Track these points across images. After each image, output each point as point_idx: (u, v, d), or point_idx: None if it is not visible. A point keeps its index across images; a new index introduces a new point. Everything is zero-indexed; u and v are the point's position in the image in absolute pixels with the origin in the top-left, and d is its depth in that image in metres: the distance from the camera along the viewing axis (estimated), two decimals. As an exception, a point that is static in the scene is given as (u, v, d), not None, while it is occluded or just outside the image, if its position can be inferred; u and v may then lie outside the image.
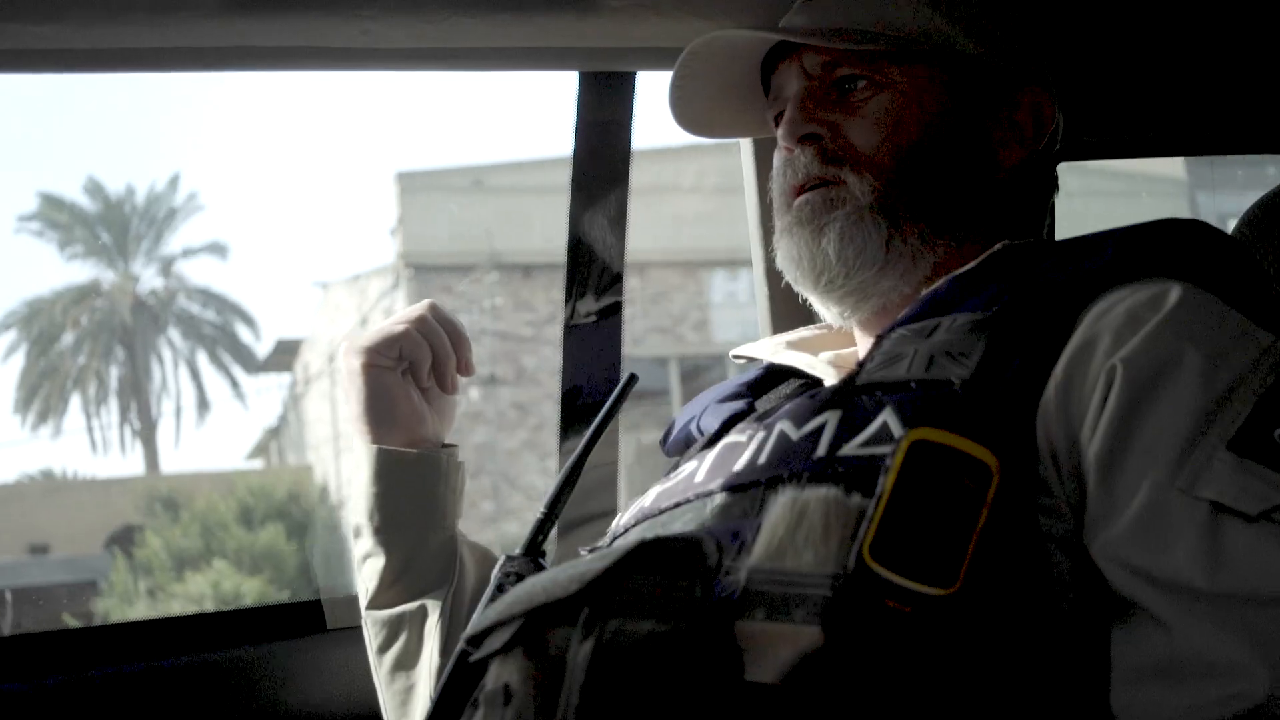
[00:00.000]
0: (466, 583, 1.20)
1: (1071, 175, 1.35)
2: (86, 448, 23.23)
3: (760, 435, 0.95)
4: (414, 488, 1.19)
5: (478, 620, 0.83)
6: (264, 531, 14.77)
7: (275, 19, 1.28)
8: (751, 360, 1.18)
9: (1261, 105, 1.59)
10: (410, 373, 1.19)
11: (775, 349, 1.16)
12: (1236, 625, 0.76)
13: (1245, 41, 1.55)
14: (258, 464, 21.50)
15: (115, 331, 23.25)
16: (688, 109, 1.19)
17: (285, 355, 20.30)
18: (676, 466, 1.08)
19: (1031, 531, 0.83)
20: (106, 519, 16.60)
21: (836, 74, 1.07)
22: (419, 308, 1.20)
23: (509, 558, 1.02)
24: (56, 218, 24.22)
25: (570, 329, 1.50)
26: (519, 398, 14.83)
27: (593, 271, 1.51)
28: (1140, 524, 0.81)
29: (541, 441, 14.65)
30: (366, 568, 1.20)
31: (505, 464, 14.28)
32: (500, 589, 0.99)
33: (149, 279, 23.97)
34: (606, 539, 1.08)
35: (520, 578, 0.98)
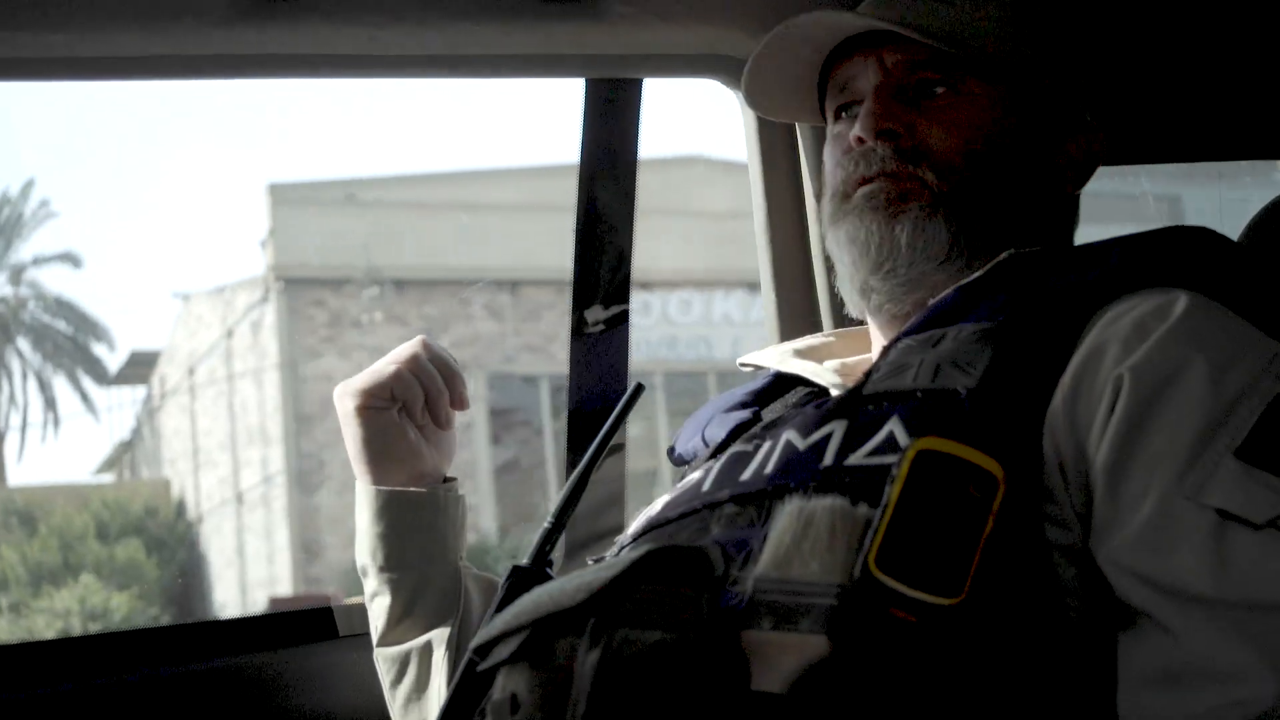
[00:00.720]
0: (473, 614, 1.21)
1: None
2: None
3: (767, 445, 0.95)
4: (414, 525, 1.20)
5: (485, 630, 0.83)
6: (122, 546, 14.53)
7: (282, 26, 1.29)
8: (758, 368, 1.18)
9: (1266, 110, 1.59)
10: (404, 411, 1.20)
11: (782, 357, 1.16)
12: (1242, 632, 0.76)
13: (1251, 47, 1.55)
14: (108, 478, 20.80)
15: (-41, 342, 22.51)
16: (758, 84, 1.18)
17: (140, 367, 19.65)
18: (683, 476, 1.08)
19: (1038, 540, 0.83)
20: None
21: (916, 76, 1.07)
22: (411, 346, 1.21)
23: (516, 568, 1.02)
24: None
25: (577, 339, 1.50)
26: None
27: (599, 280, 1.51)
28: (1147, 531, 0.81)
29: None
30: (374, 606, 1.22)
31: None
32: (507, 599, 0.99)
33: (-2, 287, 23.10)
34: (614, 549, 1.08)
35: (527, 587, 0.99)
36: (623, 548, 1.04)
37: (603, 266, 1.51)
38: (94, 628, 12.60)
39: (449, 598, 1.21)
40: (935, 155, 1.05)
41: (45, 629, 12.85)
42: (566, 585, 0.78)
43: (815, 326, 1.47)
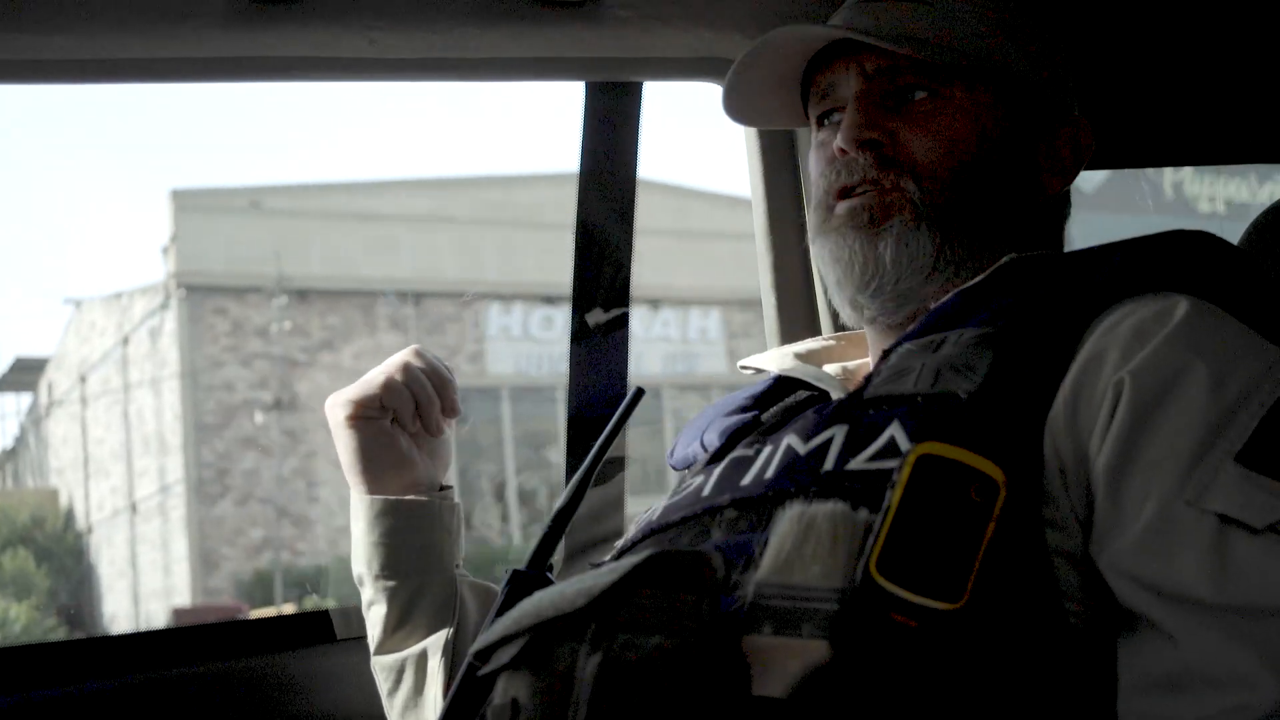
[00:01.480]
0: (469, 622, 1.21)
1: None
2: None
3: (768, 450, 0.95)
4: (409, 534, 1.20)
5: (485, 634, 0.83)
6: (9, 556, 14.29)
7: (282, 29, 1.29)
8: (759, 371, 1.18)
9: (1268, 114, 1.59)
10: (396, 420, 1.20)
11: (782, 360, 1.16)
12: (1242, 637, 0.76)
13: (1252, 49, 1.55)
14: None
15: None
16: (737, 97, 1.18)
17: (25, 374, 19.19)
18: (683, 481, 1.08)
19: (1038, 545, 0.83)
20: None
21: (898, 82, 1.06)
22: (401, 355, 1.21)
23: (515, 572, 1.02)
24: None
25: (577, 343, 1.50)
26: (290, 424, 14.65)
27: (600, 284, 1.51)
28: (1147, 536, 0.81)
29: (312, 470, 14.38)
30: (371, 615, 1.22)
31: (274, 491, 13.99)
32: (507, 604, 0.99)
33: None
34: (613, 554, 1.08)
35: (527, 592, 0.98)
36: (623, 553, 1.04)
37: (603, 270, 1.51)
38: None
39: (445, 606, 1.21)
40: (918, 164, 1.04)
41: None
42: (567, 590, 0.78)
43: (815, 331, 1.47)
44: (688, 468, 1.16)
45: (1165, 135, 1.60)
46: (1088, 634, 0.83)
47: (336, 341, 15.10)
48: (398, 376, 1.19)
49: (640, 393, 1.15)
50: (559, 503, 1.07)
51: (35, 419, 19.16)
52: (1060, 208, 1.13)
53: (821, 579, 0.75)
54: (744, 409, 1.14)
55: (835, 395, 1.06)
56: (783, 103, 1.17)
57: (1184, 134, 1.60)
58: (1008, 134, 1.07)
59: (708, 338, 16.86)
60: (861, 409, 0.92)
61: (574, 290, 1.50)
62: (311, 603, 12.48)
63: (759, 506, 0.90)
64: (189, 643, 1.42)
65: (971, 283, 0.99)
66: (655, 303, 16.31)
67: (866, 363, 1.15)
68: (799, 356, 1.17)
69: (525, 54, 1.40)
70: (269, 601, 13.11)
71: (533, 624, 0.78)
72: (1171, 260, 0.96)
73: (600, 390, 1.50)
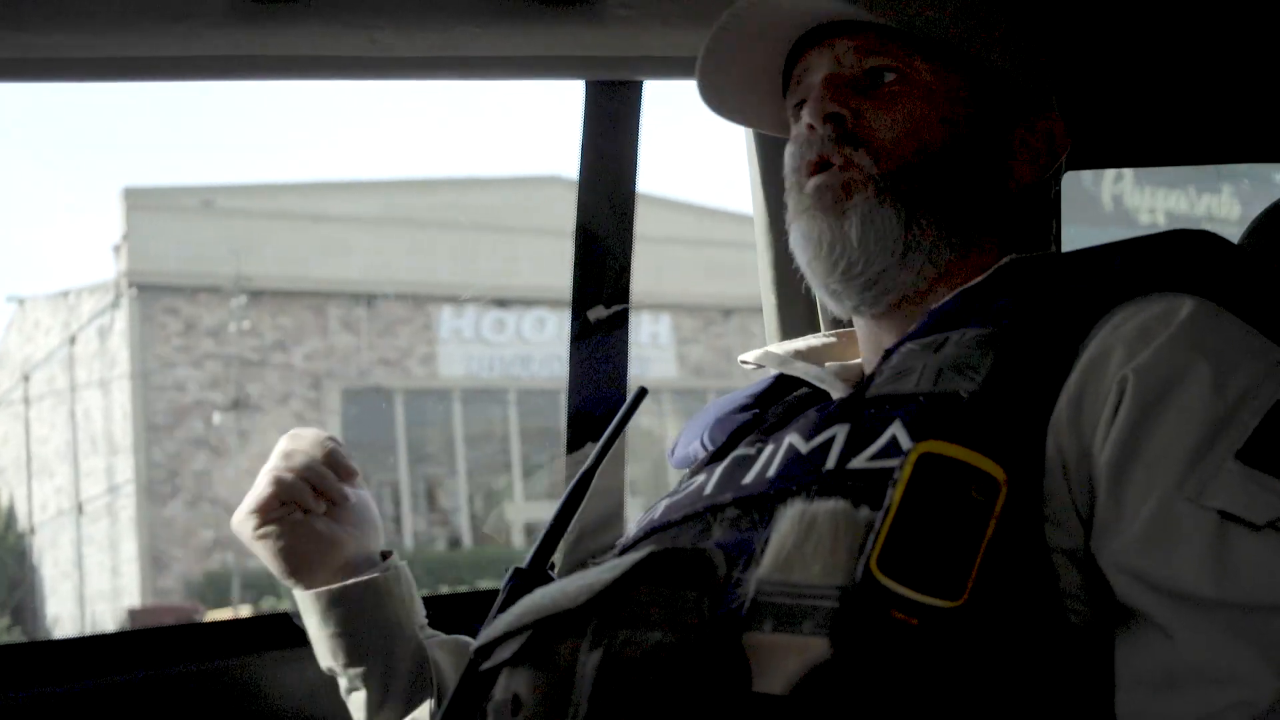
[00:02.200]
0: (447, 682, 1.21)
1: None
2: None
3: (769, 448, 0.95)
4: (364, 616, 1.20)
5: (487, 630, 0.83)
6: None
7: (283, 28, 1.29)
8: (759, 367, 1.18)
9: (1265, 112, 1.59)
10: (302, 510, 1.19)
11: (783, 359, 1.16)
12: (1242, 634, 0.76)
13: (1249, 48, 1.56)
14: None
15: None
16: (712, 86, 1.17)
17: None
18: (685, 479, 1.08)
19: (1039, 544, 0.84)
20: None
21: (868, 64, 1.06)
22: (277, 447, 1.21)
23: (517, 569, 1.02)
24: None
25: (576, 343, 1.50)
26: (244, 425, 14.56)
27: (601, 283, 1.51)
28: (1148, 532, 0.82)
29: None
30: (352, 702, 1.23)
31: (226, 492, 13.76)
32: (508, 600, 0.99)
33: None
34: (615, 551, 1.08)
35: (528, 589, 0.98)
36: (624, 550, 1.04)
37: (604, 270, 1.51)
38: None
39: (420, 674, 1.22)
40: (875, 140, 1.04)
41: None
42: (568, 586, 0.78)
43: (813, 328, 1.47)
44: (689, 466, 1.16)
45: (1155, 135, 1.60)
46: (1088, 632, 0.84)
47: (288, 343, 15.04)
48: (282, 468, 1.19)
49: (643, 392, 1.15)
50: (561, 500, 1.07)
51: (-27, 419, 19.06)
52: (1046, 206, 1.12)
53: (822, 576, 0.75)
54: (745, 408, 1.14)
55: (836, 394, 1.07)
56: (761, 99, 1.16)
57: (1173, 133, 1.60)
58: (975, 119, 1.06)
59: (658, 342, 16.81)
60: (863, 408, 0.92)
61: (574, 289, 1.50)
62: (269, 604, 12.36)
63: (761, 505, 0.90)
64: (188, 641, 1.41)
65: (972, 283, 1.00)
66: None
67: (862, 360, 1.14)
68: (799, 354, 1.17)
69: (525, 52, 1.40)
70: (222, 603, 12.99)
71: (534, 620, 0.78)
72: (1175, 260, 0.96)
73: (600, 390, 1.50)
